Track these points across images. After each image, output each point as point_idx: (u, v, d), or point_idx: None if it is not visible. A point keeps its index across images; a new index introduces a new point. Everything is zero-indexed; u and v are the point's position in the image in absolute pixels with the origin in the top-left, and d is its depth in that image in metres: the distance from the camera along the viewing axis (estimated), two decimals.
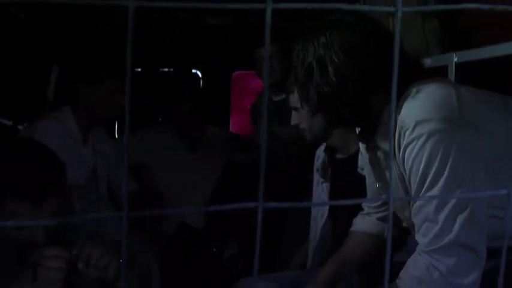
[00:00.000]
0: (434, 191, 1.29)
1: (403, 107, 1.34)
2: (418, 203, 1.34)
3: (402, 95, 1.36)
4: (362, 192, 1.95)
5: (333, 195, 2.25)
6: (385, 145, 1.47)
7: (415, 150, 1.30)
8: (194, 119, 3.03)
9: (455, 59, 2.15)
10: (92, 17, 3.06)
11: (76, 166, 2.29)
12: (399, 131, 1.33)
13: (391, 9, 0.58)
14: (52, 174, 1.38)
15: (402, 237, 1.68)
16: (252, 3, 0.57)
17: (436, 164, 1.28)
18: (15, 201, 1.32)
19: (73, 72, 2.59)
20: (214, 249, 3.06)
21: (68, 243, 1.35)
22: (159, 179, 3.00)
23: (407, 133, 1.31)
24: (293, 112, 2.15)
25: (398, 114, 1.34)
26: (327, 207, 2.26)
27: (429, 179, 1.29)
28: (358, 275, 1.98)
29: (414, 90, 1.35)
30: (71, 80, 2.55)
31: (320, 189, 2.30)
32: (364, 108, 1.41)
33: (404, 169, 1.36)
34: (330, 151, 2.26)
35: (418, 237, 1.35)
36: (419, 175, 1.31)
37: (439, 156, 1.28)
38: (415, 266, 1.34)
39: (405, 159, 1.34)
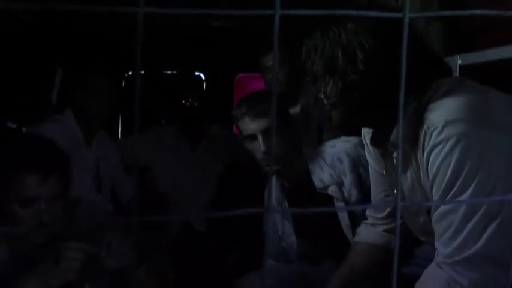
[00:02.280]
0: (463, 198, 1.18)
1: (431, 105, 1.25)
2: (441, 209, 1.24)
3: (425, 92, 1.27)
4: (327, 213, 1.94)
5: (297, 224, 2.14)
6: (404, 144, 1.34)
7: (443, 153, 1.20)
8: (197, 121, 3.04)
9: (460, 61, 2.14)
10: (90, 17, 3.06)
11: (81, 168, 2.31)
12: (425, 130, 1.24)
13: (399, 14, 0.59)
14: (57, 155, 1.61)
15: (409, 250, 1.63)
16: (258, 5, 0.57)
17: (465, 170, 1.18)
18: (25, 171, 1.51)
19: (68, 72, 2.63)
20: (217, 252, 3.06)
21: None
22: (162, 180, 3.00)
23: (434, 134, 1.22)
24: (261, 139, 1.98)
25: (424, 113, 1.25)
26: (293, 240, 2.14)
27: (457, 185, 1.19)
28: (365, 286, 1.95)
29: (444, 88, 1.27)
30: (67, 79, 2.58)
31: (283, 225, 2.17)
32: (387, 100, 1.27)
33: (427, 172, 1.26)
34: (289, 181, 2.12)
35: (438, 246, 1.25)
36: (446, 180, 1.21)
37: (469, 161, 1.18)
38: (434, 279, 1.25)
39: (430, 162, 1.24)
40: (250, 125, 2.01)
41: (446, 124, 1.20)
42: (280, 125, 2.00)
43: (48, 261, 1.49)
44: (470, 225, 1.18)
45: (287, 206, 2.13)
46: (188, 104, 3.00)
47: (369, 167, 1.68)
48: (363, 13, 0.57)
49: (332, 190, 2.01)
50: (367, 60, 1.26)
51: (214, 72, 3.79)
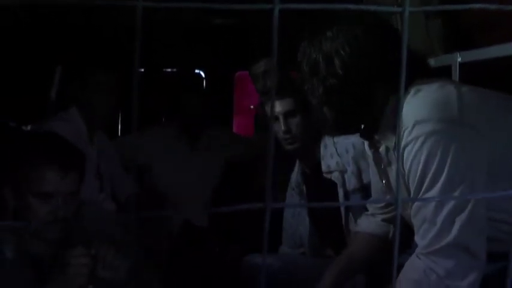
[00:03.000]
0: (433, 192, 1.28)
1: (403, 105, 1.33)
2: (416, 204, 1.33)
3: (404, 93, 1.35)
4: (335, 198, 2.10)
5: (312, 208, 2.30)
6: (387, 142, 1.46)
7: (414, 150, 1.30)
8: (197, 119, 3.03)
9: (459, 59, 2.15)
10: (90, 14, 3.06)
11: (87, 166, 2.30)
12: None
13: (398, 9, 0.58)
14: (76, 153, 1.64)
15: (407, 239, 1.67)
16: (258, 3, 0.57)
17: (434, 165, 1.27)
18: (47, 166, 1.53)
19: (69, 69, 2.63)
20: (217, 249, 3.06)
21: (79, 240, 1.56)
22: (162, 179, 3.00)
23: (406, 133, 1.31)
24: (281, 120, 2.15)
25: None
26: (307, 223, 2.29)
27: (427, 180, 1.28)
28: (364, 275, 1.98)
29: (415, 89, 1.35)
30: (68, 76, 2.58)
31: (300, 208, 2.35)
32: (367, 101, 1.41)
33: (404, 169, 1.35)
34: (307, 166, 2.28)
35: (417, 238, 1.34)
36: (417, 176, 1.30)
37: (437, 157, 1.27)
38: (413, 268, 1.33)
39: (404, 159, 1.33)
40: (282, 104, 2.17)
41: (416, 123, 1.29)
42: (299, 106, 2.15)
43: (56, 272, 1.51)
44: (441, 218, 1.27)
45: (305, 189, 2.30)
46: (188, 101, 2.99)
47: (369, 159, 1.73)
48: (362, 7, 0.57)
49: (335, 176, 2.17)
50: (344, 66, 1.38)
51: (214, 70, 3.78)
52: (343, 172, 2.17)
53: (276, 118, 2.16)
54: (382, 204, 1.75)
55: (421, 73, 1.39)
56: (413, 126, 1.29)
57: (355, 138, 2.11)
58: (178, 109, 3.02)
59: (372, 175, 1.72)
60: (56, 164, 1.54)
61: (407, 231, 1.51)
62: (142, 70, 3.75)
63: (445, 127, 1.29)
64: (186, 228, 2.99)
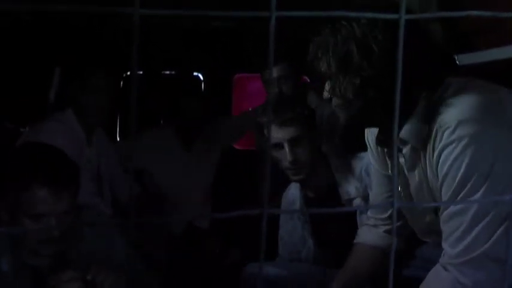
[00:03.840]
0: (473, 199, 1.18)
1: (444, 103, 1.23)
2: (450, 210, 1.23)
3: (436, 90, 1.26)
4: (345, 222, 1.91)
5: (317, 234, 2.12)
6: (415, 142, 1.31)
7: (454, 154, 1.19)
8: (196, 121, 3.04)
9: (457, 62, 2.15)
10: (89, 17, 3.07)
11: (84, 168, 2.31)
12: (436, 129, 1.23)
13: (395, 16, 0.59)
14: (69, 170, 1.56)
15: (410, 252, 1.62)
16: (256, 5, 0.57)
17: (477, 173, 1.17)
18: (39, 188, 1.47)
19: (68, 70, 2.64)
20: (217, 251, 3.06)
21: (73, 260, 1.52)
22: (161, 181, 3.01)
23: (446, 133, 1.20)
24: (287, 148, 1.93)
25: (434, 110, 1.23)
26: (310, 244, 2.12)
27: (468, 187, 1.18)
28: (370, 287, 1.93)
29: (455, 87, 1.25)
30: (66, 78, 2.59)
31: (302, 229, 2.15)
32: (402, 98, 1.28)
33: (436, 171, 1.25)
34: (309, 190, 2.10)
35: (445, 246, 1.25)
36: (456, 182, 1.20)
37: (480, 164, 1.17)
38: (438, 279, 1.25)
39: (440, 162, 1.23)
40: (277, 133, 1.95)
41: (459, 124, 1.18)
42: (305, 133, 1.97)
43: None
44: (479, 227, 1.17)
45: (308, 215, 2.10)
46: (187, 104, 3.00)
47: (372, 168, 1.67)
48: (359, 15, 0.57)
49: (357, 203, 1.98)
50: (384, 55, 1.21)
51: (212, 73, 3.79)
52: (366, 198, 1.94)
53: (281, 146, 1.95)
54: (387, 215, 1.65)
55: (450, 70, 1.32)
56: (456, 126, 1.19)
57: (367, 159, 1.92)
58: (177, 112, 3.03)
59: (375, 185, 1.65)
60: (49, 187, 1.49)
61: (409, 242, 1.46)
62: (141, 73, 3.75)
63: (492, 129, 1.19)
64: (188, 230, 3.00)
